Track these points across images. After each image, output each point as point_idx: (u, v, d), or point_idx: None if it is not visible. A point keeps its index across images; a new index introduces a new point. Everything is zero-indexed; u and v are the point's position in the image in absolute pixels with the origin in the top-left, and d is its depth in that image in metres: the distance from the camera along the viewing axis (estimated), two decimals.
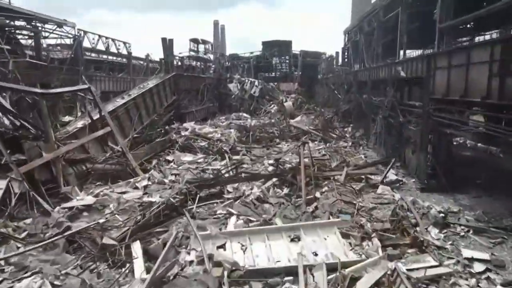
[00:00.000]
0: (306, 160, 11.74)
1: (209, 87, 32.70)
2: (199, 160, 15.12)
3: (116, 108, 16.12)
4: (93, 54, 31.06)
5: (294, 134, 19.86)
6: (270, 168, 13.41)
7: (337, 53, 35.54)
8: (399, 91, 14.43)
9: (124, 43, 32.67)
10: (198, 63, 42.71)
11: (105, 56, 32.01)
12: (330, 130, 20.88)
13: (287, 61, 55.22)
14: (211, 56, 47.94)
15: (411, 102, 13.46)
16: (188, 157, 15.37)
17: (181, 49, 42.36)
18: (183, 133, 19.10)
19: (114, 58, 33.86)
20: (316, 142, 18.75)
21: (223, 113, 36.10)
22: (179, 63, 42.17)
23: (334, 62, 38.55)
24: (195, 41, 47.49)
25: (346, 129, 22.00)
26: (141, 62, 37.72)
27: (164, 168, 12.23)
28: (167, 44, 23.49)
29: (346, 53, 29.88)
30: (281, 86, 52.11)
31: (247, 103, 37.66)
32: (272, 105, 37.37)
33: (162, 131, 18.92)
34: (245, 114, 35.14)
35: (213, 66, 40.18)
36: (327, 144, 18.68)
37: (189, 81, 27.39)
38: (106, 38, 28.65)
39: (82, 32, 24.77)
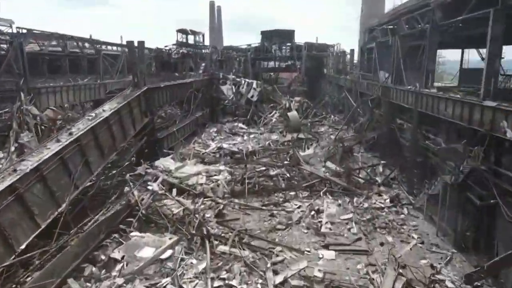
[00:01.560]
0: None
1: (197, 93, 26.69)
2: (165, 255, 9.68)
3: (40, 164, 10.31)
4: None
5: (308, 184, 14.18)
6: None
7: (352, 50, 29.45)
8: (492, 154, 8.75)
9: (92, 39, 26.38)
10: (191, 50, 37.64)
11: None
12: (354, 173, 15.23)
13: (288, 51, 49.05)
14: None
15: None
16: (148, 250, 9.82)
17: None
18: (150, 186, 13.48)
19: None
20: (339, 201, 13.19)
21: (215, 121, 30.58)
22: (167, 53, 36.82)
23: (348, 60, 32.35)
24: (183, 32, 41.39)
25: (375, 168, 16.34)
26: (120, 49, 30.17)
27: None
28: (136, 50, 17.45)
29: (366, 55, 23.82)
30: (281, 74, 50.52)
31: (244, 109, 31.81)
32: (274, 112, 31.48)
33: (118, 181, 13.39)
34: (241, 125, 29.52)
35: (203, 64, 33.96)
36: (355, 201, 13.19)
37: (169, 93, 21.37)
38: (63, 35, 22.45)
39: (24, 31, 18.63)
